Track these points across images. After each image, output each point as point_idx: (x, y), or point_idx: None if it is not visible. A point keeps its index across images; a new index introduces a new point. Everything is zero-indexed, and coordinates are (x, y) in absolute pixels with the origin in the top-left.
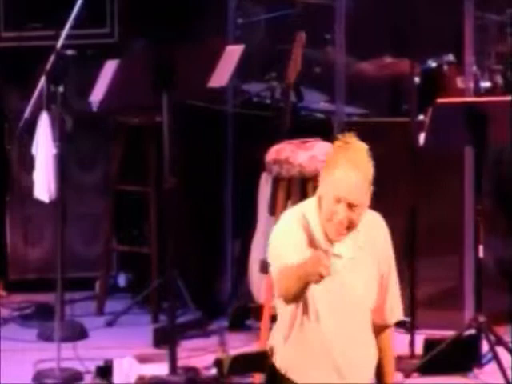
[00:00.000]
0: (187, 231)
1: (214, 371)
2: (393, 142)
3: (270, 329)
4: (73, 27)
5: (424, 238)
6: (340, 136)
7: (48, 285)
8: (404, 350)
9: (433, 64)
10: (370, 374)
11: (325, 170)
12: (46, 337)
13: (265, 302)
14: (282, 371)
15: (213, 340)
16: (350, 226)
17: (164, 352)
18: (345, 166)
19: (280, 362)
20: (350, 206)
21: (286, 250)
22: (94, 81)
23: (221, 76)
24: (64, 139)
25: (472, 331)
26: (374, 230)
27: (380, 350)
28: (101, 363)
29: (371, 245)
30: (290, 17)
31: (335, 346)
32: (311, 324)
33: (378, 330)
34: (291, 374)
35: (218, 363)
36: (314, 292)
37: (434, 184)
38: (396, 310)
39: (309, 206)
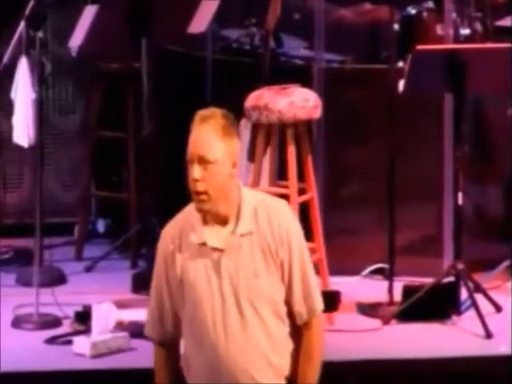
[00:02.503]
0: (166, 177)
1: None
2: (372, 89)
3: None
4: None
5: (403, 185)
6: None
7: (27, 230)
8: (383, 297)
9: (412, 11)
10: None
11: None
12: (24, 282)
13: None
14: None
15: None
16: (209, 191)
17: (143, 297)
18: (196, 124)
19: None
20: (202, 161)
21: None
22: (73, 26)
23: (200, 22)
24: (43, 84)
25: (451, 278)
26: (267, 216)
27: (300, 348)
28: (79, 308)
29: (260, 232)
30: None
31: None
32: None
33: (300, 327)
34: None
35: None
36: (197, 285)
37: (413, 131)
38: (304, 305)
39: (191, 205)
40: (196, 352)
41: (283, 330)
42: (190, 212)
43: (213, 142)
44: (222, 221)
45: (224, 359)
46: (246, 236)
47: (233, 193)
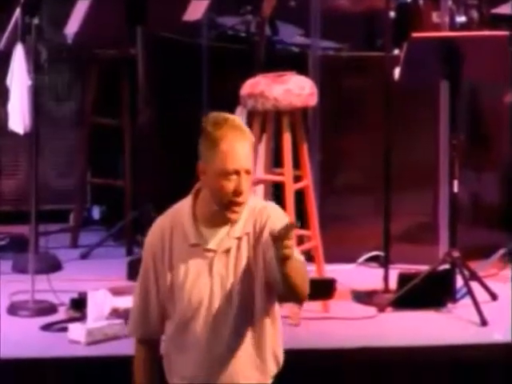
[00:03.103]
0: (162, 164)
1: None
2: (368, 77)
3: None
4: None
5: (399, 172)
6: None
7: (22, 217)
8: (378, 285)
9: None
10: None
11: (206, 151)
12: (20, 269)
13: None
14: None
15: None
16: (246, 199)
17: None
18: (227, 135)
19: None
20: (244, 174)
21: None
22: (68, 13)
23: (196, 9)
24: (38, 71)
25: (446, 266)
26: (260, 220)
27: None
28: (75, 295)
29: (252, 235)
30: None
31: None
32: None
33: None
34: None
35: None
36: (190, 289)
37: (409, 118)
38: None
39: (182, 204)
40: (180, 351)
41: (271, 331)
42: (180, 210)
43: (249, 153)
44: (220, 222)
45: (209, 360)
46: (240, 238)
47: None
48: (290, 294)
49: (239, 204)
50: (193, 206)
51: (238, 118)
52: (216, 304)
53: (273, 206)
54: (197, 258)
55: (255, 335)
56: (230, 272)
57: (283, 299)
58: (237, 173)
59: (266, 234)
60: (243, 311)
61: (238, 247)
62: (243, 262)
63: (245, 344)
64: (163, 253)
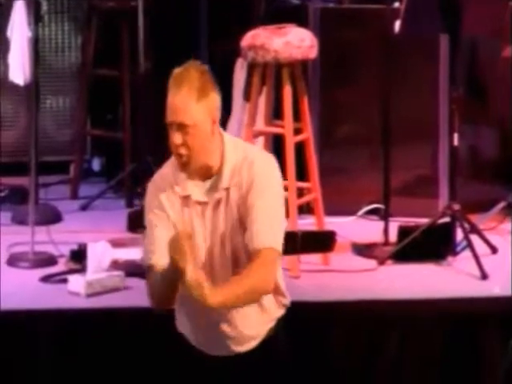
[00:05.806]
0: (161, 116)
1: None
2: (368, 30)
3: None
4: None
5: (399, 126)
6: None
7: (22, 168)
8: (378, 237)
9: None
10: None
11: None
12: (19, 220)
13: None
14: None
15: None
16: (190, 153)
17: (138, 236)
18: (171, 87)
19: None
20: (181, 126)
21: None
22: None
23: None
24: (39, 23)
25: (446, 219)
26: (248, 172)
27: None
28: (75, 247)
29: (240, 187)
30: None
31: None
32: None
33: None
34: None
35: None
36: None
37: (408, 71)
38: (261, 235)
39: None
40: (183, 300)
41: None
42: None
43: (189, 106)
44: (205, 175)
45: (206, 309)
46: (228, 189)
47: (215, 148)
48: None
49: (179, 156)
50: None
51: (201, 69)
52: (211, 254)
53: (263, 163)
54: (189, 210)
55: None
56: (221, 223)
57: None
58: (171, 126)
59: (250, 196)
60: (237, 261)
61: (228, 199)
62: (233, 214)
63: None
64: (160, 202)
